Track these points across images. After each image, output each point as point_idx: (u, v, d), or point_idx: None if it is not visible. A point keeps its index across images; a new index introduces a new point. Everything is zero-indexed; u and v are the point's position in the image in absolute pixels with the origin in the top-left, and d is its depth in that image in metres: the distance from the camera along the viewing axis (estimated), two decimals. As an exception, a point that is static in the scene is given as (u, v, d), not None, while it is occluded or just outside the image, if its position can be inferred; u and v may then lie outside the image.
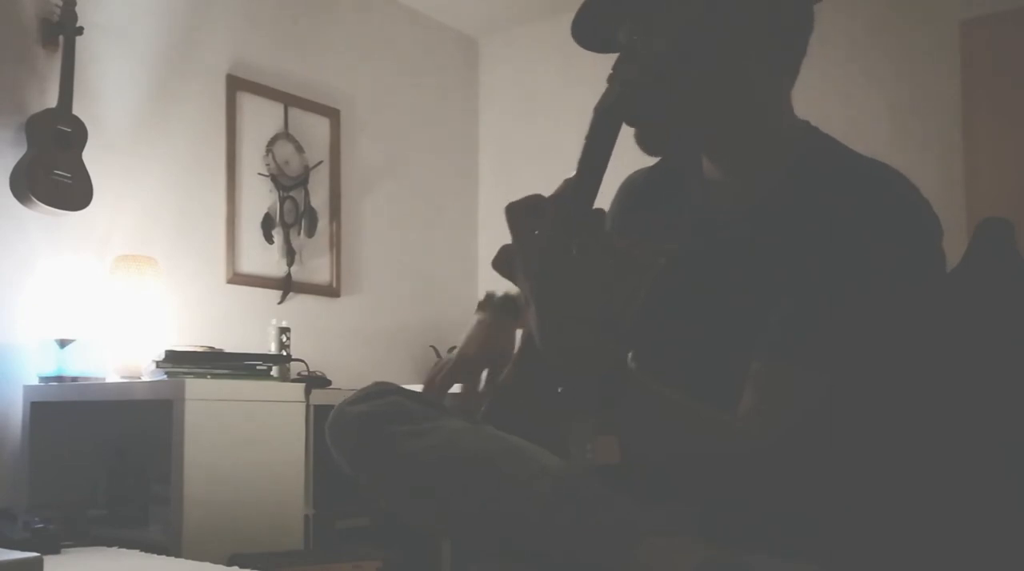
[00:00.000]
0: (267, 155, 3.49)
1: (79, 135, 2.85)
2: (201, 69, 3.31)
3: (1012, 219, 1.14)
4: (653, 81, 0.96)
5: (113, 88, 3.06)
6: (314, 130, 3.68)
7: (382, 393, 1.20)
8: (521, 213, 0.92)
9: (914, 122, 3.28)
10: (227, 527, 2.42)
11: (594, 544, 0.94)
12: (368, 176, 3.90)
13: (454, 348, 1.32)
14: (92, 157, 2.87)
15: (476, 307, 1.36)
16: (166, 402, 2.42)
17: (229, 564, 2.21)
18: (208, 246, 3.30)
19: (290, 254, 3.53)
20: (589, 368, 0.90)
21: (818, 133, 1.15)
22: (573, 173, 0.92)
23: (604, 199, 0.99)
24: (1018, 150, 3.09)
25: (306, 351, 3.30)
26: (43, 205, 2.75)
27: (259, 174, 3.46)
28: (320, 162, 3.69)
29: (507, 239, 0.94)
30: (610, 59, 1.04)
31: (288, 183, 3.55)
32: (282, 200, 3.52)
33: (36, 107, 2.82)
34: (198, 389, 2.43)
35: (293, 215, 3.56)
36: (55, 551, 2.22)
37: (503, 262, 0.95)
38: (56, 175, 2.78)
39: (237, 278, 3.36)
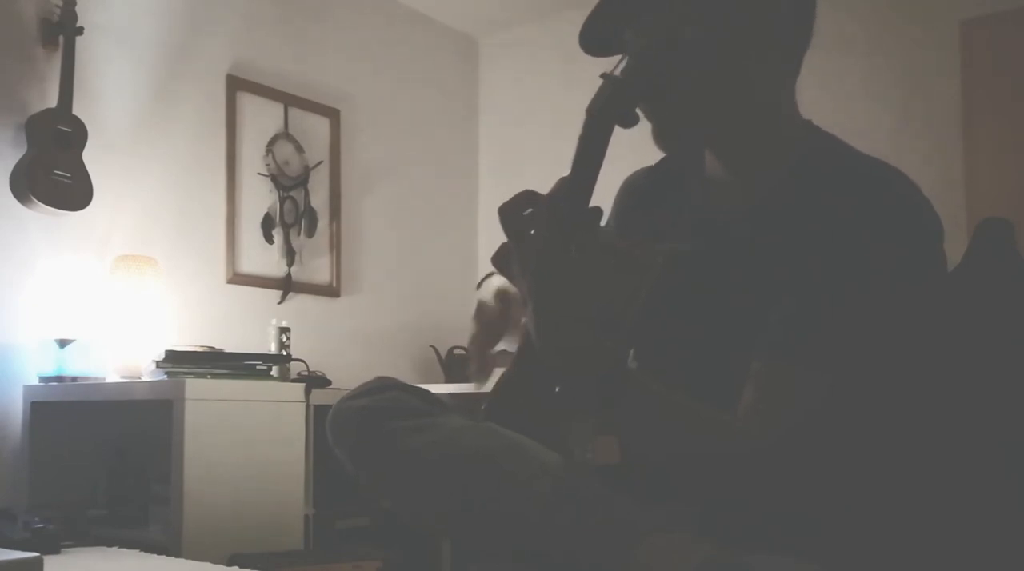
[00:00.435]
0: (267, 155, 3.49)
1: (79, 135, 2.85)
2: (201, 69, 3.31)
3: (1012, 219, 1.14)
4: (645, 81, 0.96)
5: (113, 88, 3.06)
6: (314, 130, 3.68)
7: (383, 388, 1.20)
8: (514, 213, 0.92)
9: (914, 122, 3.28)
10: (227, 527, 2.42)
11: (594, 544, 0.94)
12: (368, 176, 3.90)
13: (455, 348, 1.32)
14: (92, 157, 2.87)
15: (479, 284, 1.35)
16: (166, 402, 2.42)
17: (229, 564, 2.21)
18: (208, 246, 3.30)
19: (290, 254, 3.53)
20: (587, 368, 0.90)
21: (820, 132, 1.15)
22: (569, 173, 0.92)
23: (605, 198, 0.99)
24: (1018, 150, 3.09)
25: (306, 351, 3.30)
26: (43, 205, 2.75)
27: (259, 174, 3.46)
28: (320, 162, 3.69)
29: (506, 238, 0.94)
30: (612, 60, 1.04)
31: (288, 183, 3.55)
32: (282, 200, 3.52)
33: (36, 107, 2.83)
34: (198, 389, 2.43)
35: (293, 215, 3.56)
36: (55, 551, 2.22)
37: (502, 259, 0.94)
38: (56, 175, 2.78)
39: (237, 278, 3.36)
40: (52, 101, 2.82)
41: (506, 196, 0.97)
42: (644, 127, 1.07)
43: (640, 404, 0.96)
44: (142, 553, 2.28)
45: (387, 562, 2.57)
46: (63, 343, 2.69)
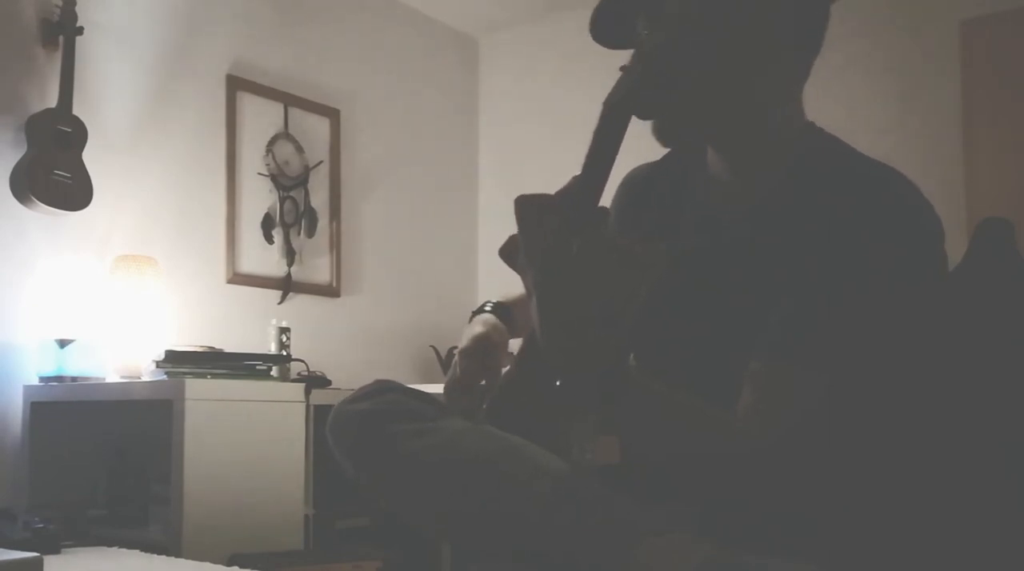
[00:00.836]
0: (267, 155, 3.49)
1: (79, 135, 2.85)
2: (201, 69, 3.31)
3: (1012, 219, 1.14)
4: (660, 75, 0.96)
5: (113, 88, 3.06)
6: (314, 130, 3.68)
7: (382, 391, 1.20)
8: (530, 207, 0.92)
9: (914, 122, 3.28)
10: (227, 527, 2.42)
11: (594, 544, 0.94)
12: (368, 176, 3.90)
13: (455, 348, 1.32)
14: (92, 157, 2.87)
15: (470, 317, 1.35)
16: (166, 402, 2.42)
17: (229, 564, 2.21)
18: (208, 246, 3.30)
19: (290, 254, 3.53)
20: (588, 364, 0.90)
21: (821, 133, 1.15)
22: (578, 172, 0.92)
23: (605, 197, 0.99)
24: (1018, 150, 3.09)
25: (306, 351, 3.30)
26: (43, 205, 2.75)
27: (259, 174, 3.46)
28: (320, 162, 3.69)
29: (507, 237, 0.94)
30: (612, 58, 1.04)
31: (288, 183, 3.55)
32: (282, 200, 3.52)
33: (36, 107, 2.82)
34: (198, 389, 2.42)
35: (293, 215, 3.56)
36: (55, 551, 2.22)
37: (509, 252, 0.94)
38: (56, 175, 2.78)
39: (237, 278, 3.36)
40: (52, 101, 2.82)
41: (506, 196, 0.97)
42: (647, 125, 1.07)
43: (641, 403, 0.96)
44: (142, 553, 2.28)
45: (387, 562, 2.57)
46: (63, 343, 2.69)
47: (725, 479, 1.01)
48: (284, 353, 3.17)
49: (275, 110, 3.54)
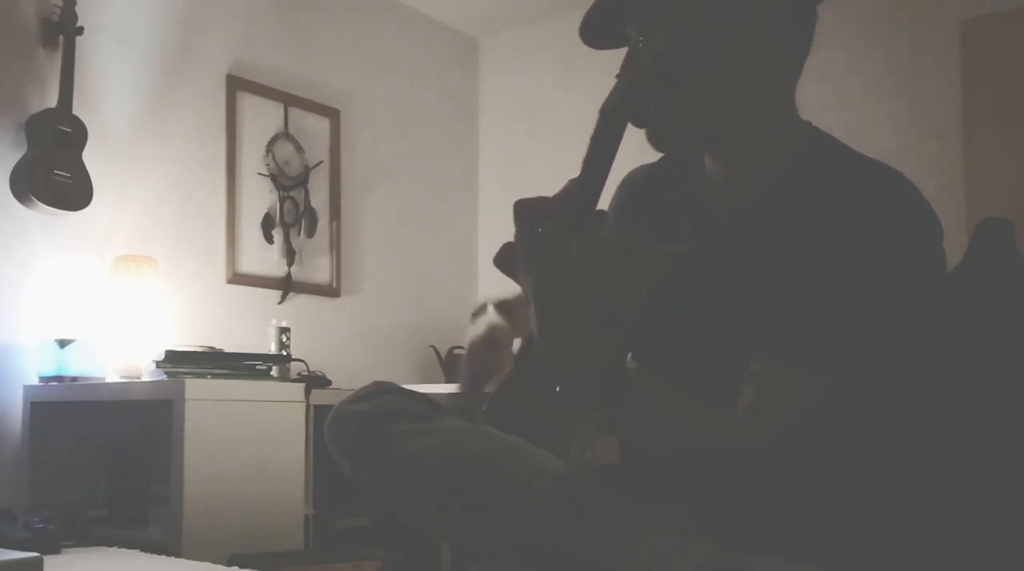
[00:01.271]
0: (267, 155, 3.49)
1: (79, 135, 2.85)
2: (201, 69, 3.31)
3: (1012, 219, 1.14)
4: (655, 81, 0.96)
5: (113, 88, 3.06)
6: (314, 130, 3.68)
7: (381, 392, 1.20)
8: (528, 211, 0.92)
9: (914, 122, 3.28)
10: (227, 527, 2.42)
11: (594, 544, 0.94)
12: (368, 176, 3.90)
13: (455, 348, 1.32)
14: (92, 157, 2.87)
15: (471, 316, 1.36)
16: (166, 402, 2.42)
17: (229, 564, 2.21)
18: (208, 246, 3.30)
19: (290, 254, 3.53)
20: (587, 365, 0.90)
21: (819, 133, 1.15)
22: (577, 173, 0.92)
23: (604, 198, 0.99)
24: (1018, 150, 3.09)
25: (306, 351, 3.30)
26: (43, 205, 2.75)
27: (259, 174, 3.46)
28: (320, 162, 3.69)
29: (506, 238, 0.94)
30: (611, 59, 1.04)
31: (288, 183, 3.55)
32: (282, 200, 3.52)
33: (36, 107, 2.83)
34: (198, 389, 2.42)
35: (293, 215, 3.56)
36: (55, 551, 2.22)
37: (505, 259, 0.95)
38: (56, 175, 2.78)
39: (237, 278, 3.36)
40: (52, 101, 2.82)
41: (506, 196, 0.97)
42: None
43: (641, 403, 0.96)
44: (142, 553, 2.28)
45: (387, 562, 2.57)
46: (63, 343, 2.69)
47: (725, 479, 1.01)
48: (284, 353, 3.17)
49: (275, 110, 3.54)
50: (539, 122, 4.20)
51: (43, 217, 2.82)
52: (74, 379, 2.69)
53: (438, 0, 4.11)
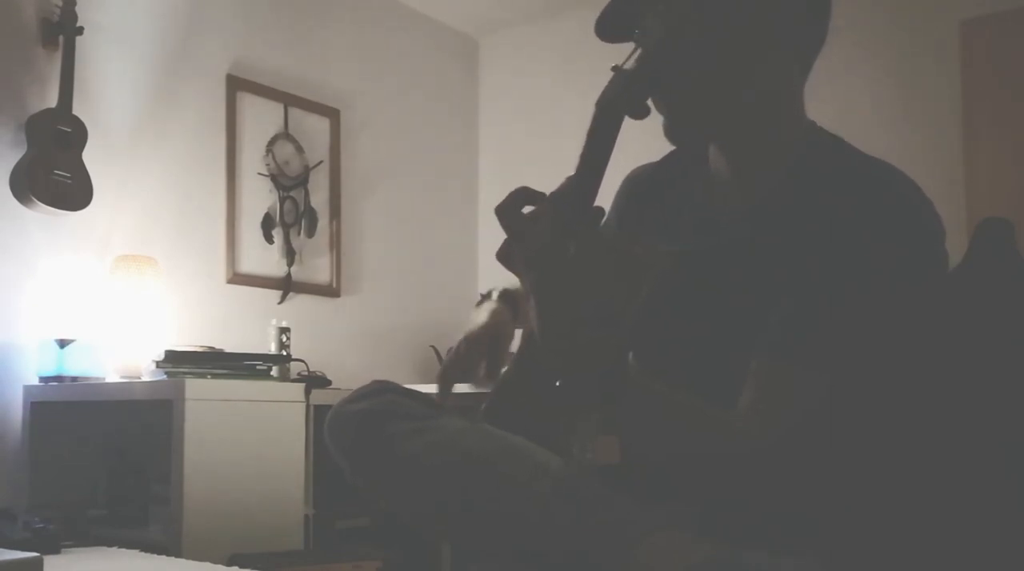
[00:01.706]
0: (267, 155, 3.49)
1: (79, 135, 2.85)
2: (201, 69, 3.31)
3: (1012, 219, 1.14)
4: (652, 74, 0.96)
5: (113, 88, 3.06)
6: (314, 130, 3.68)
7: (381, 392, 1.20)
8: (511, 211, 0.92)
9: (914, 122, 3.28)
10: (227, 527, 2.42)
11: (594, 544, 0.94)
12: (368, 176, 3.90)
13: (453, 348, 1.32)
14: (92, 157, 2.87)
15: (475, 304, 1.36)
16: (166, 402, 2.42)
17: (229, 564, 2.21)
18: (208, 246, 3.30)
19: (290, 254, 3.53)
20: (587, 364, 0.90)
21: (822, 132, 1.15)
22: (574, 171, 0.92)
23: (606, 195, 0.99)
24: (1018, 150, 3.09)
25: (306, 351, 3.29)
26: (43, 205, 2.75)
27: (259, 174, 3.46)
28: (320, 162, 3.69)
29: (504, 239, 0.95)
30: (611, 59, 1.04)
31: (288, 183, 3.55)
32: (282, 200, 3.52)
33: (36, 107, 2.82)
34: (198, 389, 2.42)
35: (293, 215, 3.56)
36: (55, 551, 2.22)
37: (507, 254, 0.95)
38: (56, 175, 2.78)
39: (237, 278, 3.36)
40: (52, 101, 2.82)
41: (505, 196, 0.97)
42: (648, 126, 1.07)
43: (641, 403, 0.96)
44: (142, 553, 2.28)
45: (387, 562, 2.57)
46: (63, 343, 2.69)
47: (725, 479, 1.01)
48: (284, 353, 3.17)
49: (275, 110, 3.54)
50: (539, 122, 4.19)
51: (43, 217, 2.82)
52: (74, 379, 2.69)
53: (438, 0, 4.11)
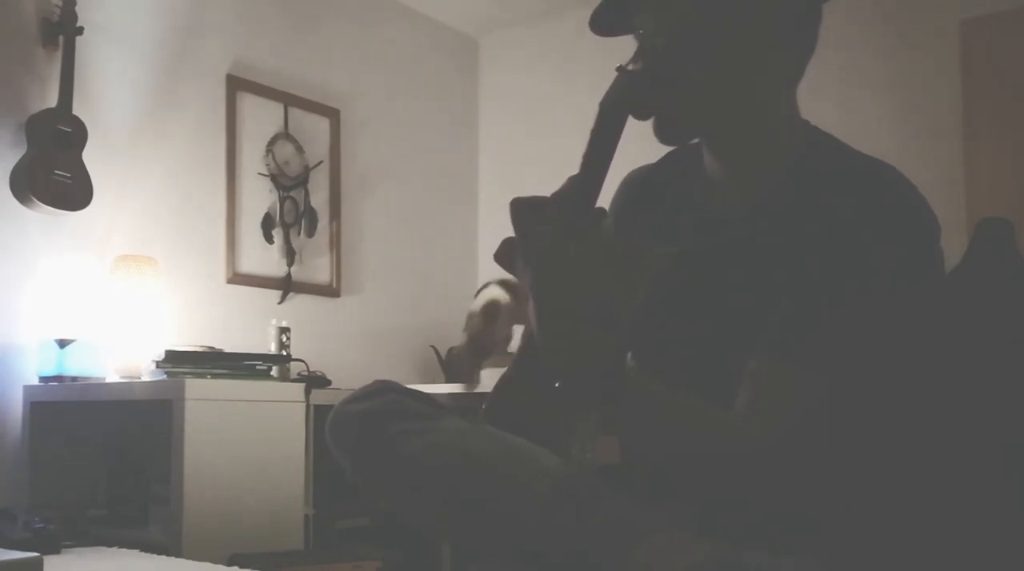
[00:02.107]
0: (267, 155, 3.49)
1: (79, 135, 2.85)
2: (201, 69, 3.31)
3: (1012, 219, 1.14)
4: (655, 75, 0.96)
5: (113, 88, 3.06)
6: (314, 130, 3.68)
7: (383, 391, 1.20)
8: (526, 209, 0.92)
9: (914, 122, 3.28)
10: (227, 527, 2.42)
11: (594, 544, 0.94)
12: (368, 176, 3.90)
13: (455, 348, 1.32)
14: (92, 157, 2.87)
15: (476, 292, 1.35)
16: (166, 402, 2.42)
17: (229, 564, 2.21)
18: (208, 246, 3.30)
19: (290, 254, 3.53)
20: (586, 365, 0.90)
21: (819, 133, 1.15)
22: (577, 171, 0.92)
23: (604, 197, 0.99)
24: (1018, 150, 3.09)
25: (306, 351, 3.29)
26: (43, 205, 2.75)
27: (259, 174, 3.46)
28: (320, 162, 3.69)
29: (506, 236, 0.95)
30: (611, 59, 1.04)
31: (288, 183, 3.55)
32: (282, 200, 3.52)
33: (36, 107, 2.82)
34: (198, 389, 2.42)
35: (293, 215, 3.56)
36: (55, 551, 2.22)
37: (505, 255, 0.95)
38: (56, 175, 2.78)
39: (237, 278, 3.36)
40: (52, 101, 2.82)
41: (506, 196, 0.97)
42: (647, 126, 1.07)
43: (641, 403, 0.96)
44: (142, 553, 2.28)
45: (387, 562, 2.57)
46: (63, 343, 2.69)
47: (725, 479, 1.01)
48: (284, 353, 3.17)
49: (275, 110, 3.54)
50: (539, 122, 4.19)
51: (43, 217, 2.82)
52: (74, 379, 2.69)
53: (438, 0, 4.11)
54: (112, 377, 2.80)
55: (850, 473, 1.00)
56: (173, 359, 2.57)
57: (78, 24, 2.87)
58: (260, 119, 3.48)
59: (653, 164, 1.30)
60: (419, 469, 1.09)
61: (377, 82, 3.97)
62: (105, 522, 2.61)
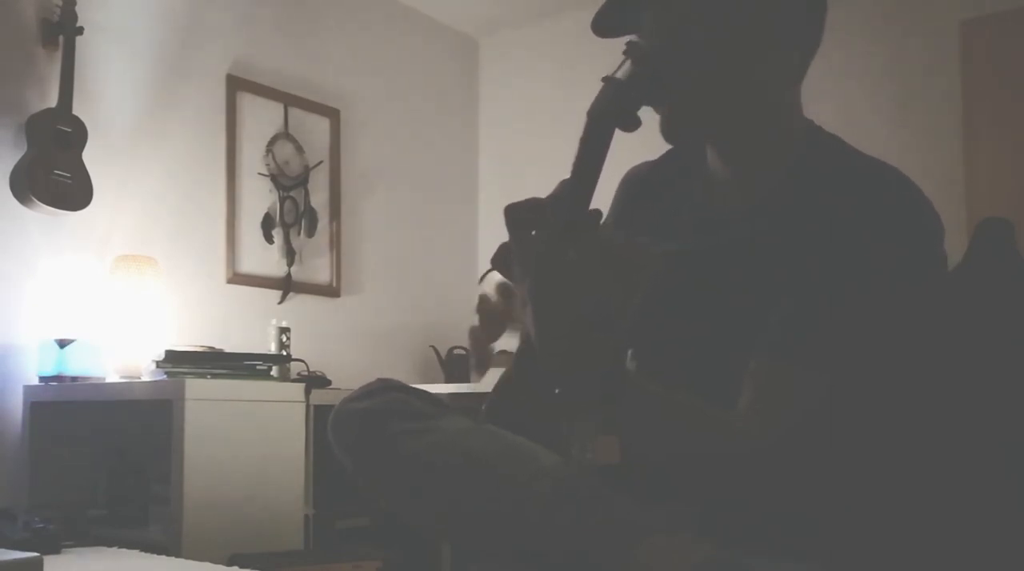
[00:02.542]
0: (267, 155, 3.49)
1: (79, 135, 2.85)
2: (201, 69, 3.31)
3: (1012, 219, 1.14)
4: (646, 83, 0.96)
5: (113, 88, 3.06)
6: (314, 130, 3.68)
7: (385, 390, 1.20)
8: (520, 214, 0.92)
9: (914, 122, 3.28)
10: (227, 527, 2.42)
11: (594, 544, 0.94)
12: (368, 176, 3.90)
13: (455, 348, 1.33)
14: (92, 157, 2.87)
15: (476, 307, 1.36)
16: (166, 402, 2.42)
17: (229, 564, 2.21)
18: (208, 246, 3.30)
19: (290, 254, 3.53)
20: (585, 367, 0.90)
21: (821, 132, 1.15)
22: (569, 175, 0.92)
23: (605, 195, 0.99)
24: (1018, 150, 3.09)
25: (306, 351, 3.29)
26: (43, 205, 2.75)
27: (259, 174, 3.46)
28: (320, 162, 3.69)
29: (506, 238, 0.94)
30: (611, 60, 1.04)
31: (288, 183, 3.55)
32: (282, 200, 3.53)
33: (36, 107, 2.82)
34: (198, 389, 2.42)
35: (293, 215, 3.56)
36: (55, 551, 2.22)
37: (502, 260, 0.95)
38: (56, 175, 2.78)
39: (237, 278, 3.36)
40: (52, 101, 2.82)
41: (506, 196, 0.97)
42: (647, 126, 1.07)
43: (641, 403, 0.96)
44: (142, 553, 2.28)
45: (387, 562, 2.57)
46: (63, 343, 2.69)
47: (725, 479, 1.01)
48: (284, 353, 3.17)
49: (275, 110, 3.54)
50: (539, 122, 4.19)
51: (43, 217, 2.82)
52: (74, 379, 2.69)
53: (438, 0, 4.11)
54: (112, 377, 2.80)
55: (850, 473, 1.00)
56: (173, 359, 2.57)
57: (78, 24, 2.87)
58: (260, 119, 3.48)
59: (654, 161, 1.30)
60: (419, 468, 1.09)
61: (377, 82, 3.97)
62: (105, 522, 2.61)
